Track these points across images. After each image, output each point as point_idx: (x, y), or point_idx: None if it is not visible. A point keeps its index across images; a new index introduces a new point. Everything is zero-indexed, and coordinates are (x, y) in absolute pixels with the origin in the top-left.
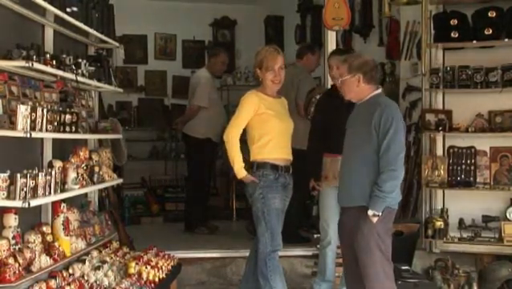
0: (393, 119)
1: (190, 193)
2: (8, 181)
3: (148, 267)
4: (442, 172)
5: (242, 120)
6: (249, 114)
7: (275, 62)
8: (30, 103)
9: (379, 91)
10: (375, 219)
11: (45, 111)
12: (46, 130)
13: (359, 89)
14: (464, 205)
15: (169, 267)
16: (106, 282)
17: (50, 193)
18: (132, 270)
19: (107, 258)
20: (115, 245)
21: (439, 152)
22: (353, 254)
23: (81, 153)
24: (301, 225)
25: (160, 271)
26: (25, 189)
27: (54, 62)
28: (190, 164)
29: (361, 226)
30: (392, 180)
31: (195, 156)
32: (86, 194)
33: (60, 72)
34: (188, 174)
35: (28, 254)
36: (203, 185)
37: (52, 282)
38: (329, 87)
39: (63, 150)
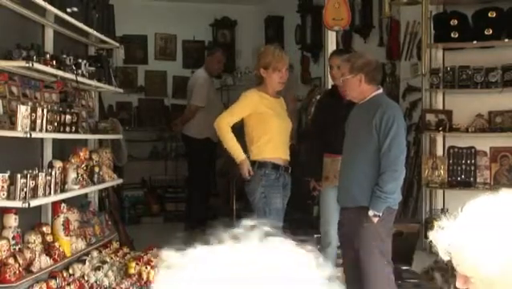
0: (395, 119)
1: (190, 193)
2: (8, 182)
3: (148, 267)
4: (442, 172)
5: (236, 113)
6: (245, 110)
7: (283, 63)
8: (30, 103)
9: (381, 91)
10: (375, 219)
11: (45, 111)
12: (47, 130)
13: (360, 89)
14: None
15: None
16: (106, 283)
17: (50, 193)
18: (132, 271)
19: (108, 259)
20: (116, 245)
21: (439, 152)
22: (353, 255)
23: (81, 154)
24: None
25: None
26: (25, 190)
27: (54, 62)
28: (190, 165)
29: (361, 227)
30: (393, 180)
31: (194, 156)
32: (86, 194)
33: (60, 72)
34: (189, 174)
35: (28, 255)
36: (203, 185)
37: (52, 283)
38: (329, 87)
39: (63, 150)
